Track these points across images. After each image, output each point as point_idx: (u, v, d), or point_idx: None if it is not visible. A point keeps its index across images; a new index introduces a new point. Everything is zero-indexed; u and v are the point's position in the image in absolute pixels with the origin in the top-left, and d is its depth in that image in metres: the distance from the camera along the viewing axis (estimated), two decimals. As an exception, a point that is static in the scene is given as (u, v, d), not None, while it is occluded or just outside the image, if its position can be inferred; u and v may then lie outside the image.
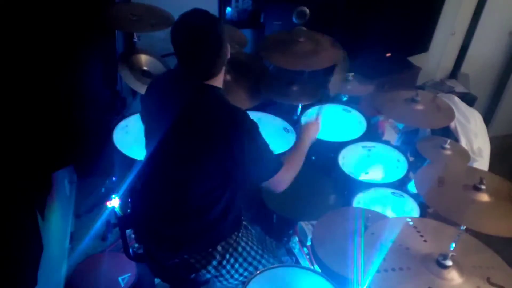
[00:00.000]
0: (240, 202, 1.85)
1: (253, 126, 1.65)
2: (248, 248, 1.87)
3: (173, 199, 1.76)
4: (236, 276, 1.86)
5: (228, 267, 1.83)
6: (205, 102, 1.66)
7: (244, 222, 1.94)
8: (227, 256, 1.81)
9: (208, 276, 1.84)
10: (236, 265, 1.84)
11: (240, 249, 1.85)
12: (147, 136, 1.82)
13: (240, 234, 1.87)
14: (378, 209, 2.16)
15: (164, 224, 1.80)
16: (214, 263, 1.80)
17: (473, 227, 1.66)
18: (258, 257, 1.88)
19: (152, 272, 1.98)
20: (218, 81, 1.71)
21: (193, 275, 1.82)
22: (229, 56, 1.71)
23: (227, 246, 1.82)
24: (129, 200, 1.95)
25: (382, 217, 1.90)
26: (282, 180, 1.76)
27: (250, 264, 1.86)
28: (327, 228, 1.80)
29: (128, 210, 1.96)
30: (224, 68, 1.71)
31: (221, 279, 1.86)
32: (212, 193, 1.71)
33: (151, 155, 1.76)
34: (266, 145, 1.70)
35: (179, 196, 1.73)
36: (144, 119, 1.86)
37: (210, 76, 1.67)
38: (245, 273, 1.86)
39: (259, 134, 1.67)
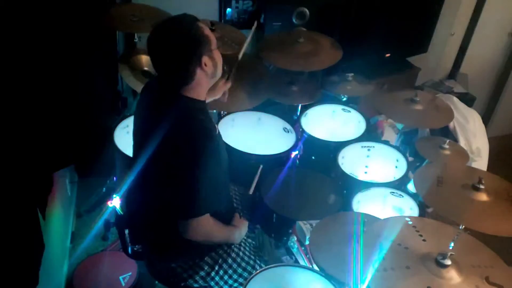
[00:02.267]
0: (228, 211, 1.84)
1: (207, 153, 1.52)
2: (238, 260, 1.85)
3: (152, 206, 1.72)
4: (226, 287, 1.84)
5: (217, 278, 1.81)
6: (173, 113, 1.56)
7: None
8: (216, 267, 1.79)
9: (196, 286, 1.82)
10: (226, 277, 1.82)
11: (230, 260, 1.83)
12: (133, 137, 1.79)
13: (232, 245, 1.85)
14: (377, 208, 2.18)
15: (150, 229, 1.78)
16: (202, 274, 1.78)
17: (472, 227, 1.67)
18: (249, 267, 1.87)
19: (149, 273, 1.99)
20: (196, 92, 1.61)
21: (182, 284, 1.81)
22: (213, 69, 1.60)
23: (216, 257, 1.80)
24: (124, 200, 1.95)
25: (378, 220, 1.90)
26: (196, 229, 1.59)
27: (240, 275, 1.84)
28: (325, 232, 1.80)
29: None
30: (204, 79, 1.60)
31: None
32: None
33: (134, 160, 1.73)
34: (203, 184, 1.54)
35: (156, 204, 1.69)
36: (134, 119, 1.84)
37: (181, 83, 1.57)
38: (235, 284, 1.84)
39: (207, 165, 1.52)
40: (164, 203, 1.65)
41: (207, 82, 1.64)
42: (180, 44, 1.51)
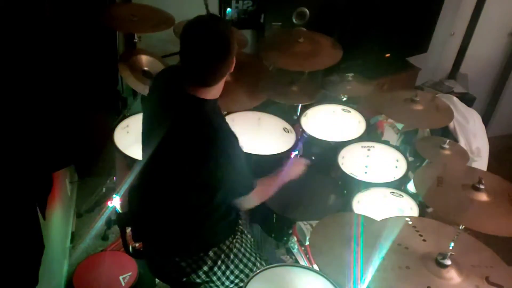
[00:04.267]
0: (234, 208, 1.84)
1: (230, 146, 1.61)
2: (240, 255, 1.86)
3: (160, 203, 1.75)
4: (227, 283, 1.85)
5: (219, 273, 1.82)
6: (189, 115, 1.59)
7: (241, 227, 1.93)
8: (219, 262, 1.80)
9: (199, 281, 1.83)
10: (227, 272, 1.83)
11: (232, 256, 1.84)
12: (142, 135, 1.81)
13: (234, 240, 1.86)
14: (377, 208, 2.18)
15: (155, 225, 1.80)
16: (205, 268, 1.79)
17: (472, 227, 1.67)
18: (250, 264, 1.87)
19: (150, 271, 1.99)
20: (212, 93, 1.62)
21: (184, 279, 1.82)
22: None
23: (219, 252, 1.81)
24: (127, 198, 1.96)
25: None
26: (249, 201, 1.76)
27: (241, 271, 1.85)
28: (325, 232, 1.79)
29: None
30: (222, 83, 1.63)
31: (211, 285, 1.86)
32: (197, 202, 1.68)
33: (143, 157, 1.75)
34: (242, 166, 1.65)
35: (164, 201, 1.73)
36: (143, 117, 1.86)
37: (204, 83, 1.57)
38: (236, 280, 1.85)
39: (235, 154, 1.62)
40: (184, 200, 1.69)
41: (221, 86, 1.65)
42: (224, 46, 1.51)
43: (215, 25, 1.53)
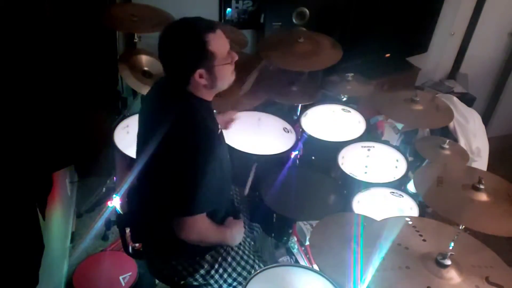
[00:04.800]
0: (228, 212, 1.84)
1: (206, 151, 1.53)
2: (238, 258, 1.85)
3: (153, 203, 1.73)
4: (225, 286, 1.84)
5: (217, 277, 1.81)
6: (176, 108, 1.59)
7: None
8: (216, 266, 1.79)
9: (196, 283, 1.82)
10: (225, 275, 1.82)
11: (230, 258, 1.82)
12: (137, 134, 1.81)
13: None
14: (377, 208, 2.18)
15: (151, 227, 1.79)
16: (202, 272, 1.78)
17: (472, 227, 1.67)
18: (248, 267, 1.86)
19: (150, 272, 1.99)
20: (199, 90, 1.61)
21: (182, 282, 1.81)
22: (211, 82, 1.58)
23: (216, 255, 1.80)
24: (125, 199, 1.96)
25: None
26: (191, 228, 1.59)
27: (239, 274, 1.84)
28: (324, 232, 1.79)
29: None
30: (200, 87, 1.59)
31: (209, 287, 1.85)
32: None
33: (137, 156, 1.75)
34: (201, 183, 1.54)
35: (157, 201, 1.70)
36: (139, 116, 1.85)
37: (181, 83, 1.59)
38: (234, 283, 1.84)
39: (205, 163, 1.52)
40: (163, 200, 1.65)
41: (206, 91, 1.64)
42: (177, 50, 1.54)
43: (188, 24, 1.54)
